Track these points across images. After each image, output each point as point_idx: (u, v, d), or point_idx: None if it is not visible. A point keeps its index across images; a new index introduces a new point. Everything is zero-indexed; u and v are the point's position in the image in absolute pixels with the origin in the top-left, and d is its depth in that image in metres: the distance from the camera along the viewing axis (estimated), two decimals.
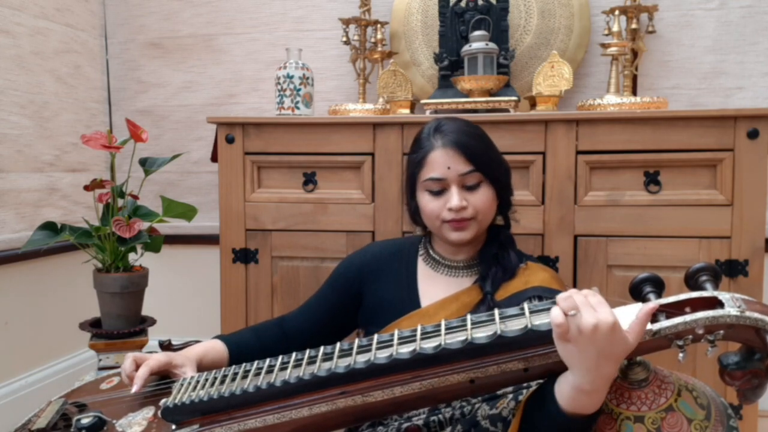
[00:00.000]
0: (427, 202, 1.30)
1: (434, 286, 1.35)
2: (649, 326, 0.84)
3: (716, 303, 0.84)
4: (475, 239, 1.33)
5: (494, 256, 1.33)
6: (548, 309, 0.92)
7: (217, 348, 1.37)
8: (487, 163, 1.29)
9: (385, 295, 1.38)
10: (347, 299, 1.44)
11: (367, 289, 1.42)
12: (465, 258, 1.35)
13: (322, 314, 1.45)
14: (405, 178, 1.39)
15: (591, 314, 0.86)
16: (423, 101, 2.11)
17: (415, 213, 1.37)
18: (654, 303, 0.87)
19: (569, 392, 0.90)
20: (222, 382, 1.10)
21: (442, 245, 1.38)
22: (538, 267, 1.34)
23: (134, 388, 1.19)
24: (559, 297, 0.90)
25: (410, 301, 1.34)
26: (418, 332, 0.98)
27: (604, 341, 0.85)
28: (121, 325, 2.06)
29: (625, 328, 0.86)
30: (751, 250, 1.77)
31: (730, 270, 1.77)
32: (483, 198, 1.28)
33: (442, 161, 1.27)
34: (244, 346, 1.38)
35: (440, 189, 1.28)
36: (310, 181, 2.00)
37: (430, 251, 1.40)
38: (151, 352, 1.28)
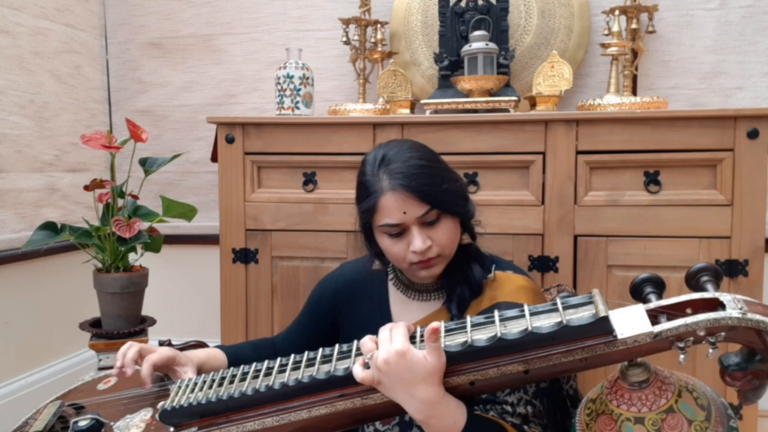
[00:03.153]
0: (389, 246, 1.23)
1: (406, 310, 1.33)
2: (650, 328, 0.84)
3: (717, 304, 0.84)
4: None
5: (459, 274, 1.27)
6: (549, 311, 0.92)
7: (218, 357, 1.37)
8: (444, 199, 1.20)
9: (361, 322, 1.36)
10: (325, 327, 1.43)
11: (343, 316, 1.41)
12: (433, 280, 1.30)
13: (303, 341, 1.43)
14: (358, 223, 1.29)
15: (384, 349, 0.93)
16: (423, 101, 2.11)
17: (378, 253, 1.31)
18: (437, 324, 0.92)
19: (422, 426, 0.97)
20: (220, 384, 1.10)
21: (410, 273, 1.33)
22: (506, 277, 1.28)
23: (145, 388, 1.20)
24: (361, 342, 0.98)
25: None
26: (417, 335, 0.98)
27: (399, 369, 0.91)
28: (121, 325, 2.07)
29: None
30: (751, 250, 1.76)
31: (730, 270, 1.77)
32: (446, 232, 1.21)
33: (395, 206, 1.18)
34: (243, 359, 1.37)
35: (399, 232, 1.21)
36: (310, 181, 2.00)
37: (399, 275, 1.35)
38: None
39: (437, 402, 0.93)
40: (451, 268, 1.28)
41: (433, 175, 1.21)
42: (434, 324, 0.91)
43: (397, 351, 0.91)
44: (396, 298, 1.36)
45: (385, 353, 0.92)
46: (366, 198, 1.22)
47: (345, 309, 1.41)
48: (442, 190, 1.20)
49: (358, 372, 0.95)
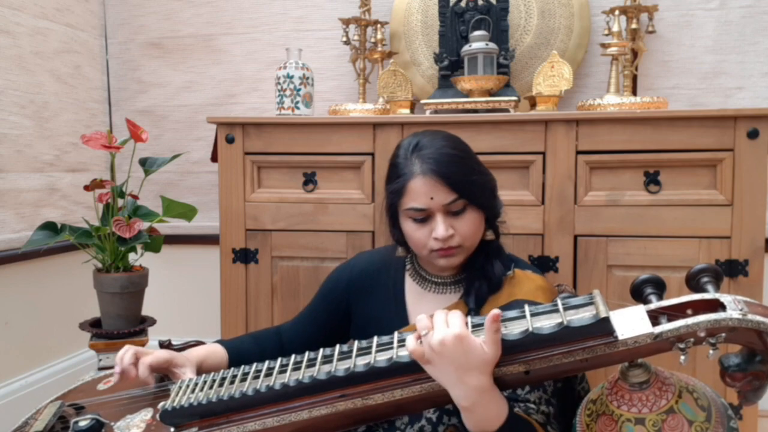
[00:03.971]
0: (412, 231, 1.24)
1: (422, 302, 1.33)
2: (651, 329, 0.84)
3: (718, 305, 0.84)
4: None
5: (479, 269, 1.28)
6: (550, 312, 0.92)
7: (217, 353, 1.36)
8: (472, 190, 1.22)
9: (374, 313, 1.36)
10: (337, 316, 1.43)
11: (356, 307, 1.40)
12: (451, 273, 1.32)
13: (314, 329, 1.44)
14: (385, 204, 1.31)
15: (440, 330, 0.91)
16: (423, 101, 2.11)
17: (399, 239, 1.32)
18: (497, 311, 0.91)
19: (462, 413, 0.95)
20: (221, 384, 1.09)
21: (428, 263, 1.33)
22: (525, 276, 1.29)
23: (136, 391, 1.20)
24: (418, 318, 0.95)
25: (399, 318, 1.32)
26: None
27: (455, 353, 0.90)
28: (121, 325, 2.07)
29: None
30: (751, 250, 1.76)
31: (730, 270, 1.77)
32: (469, 223, 1.22)
33: (423, 191, 1.20)
34: (244, 353, 1.38)
35: (424, 217, 1.22)
36: (310, 181, 2.00)
37: (417, 267, 1.36)
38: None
39: (487, 391, 0.92)
40: (471, 262, 1.29)
41: (464, 165, 1.23)
42: (495, 311, 0.90)
43: (455, 334, 0.90)
44: (412, 290, 1.36)
45: (442, 334, 0.91)
46: (396, 179, 1.24)
47: (359, 299, 1.40)
48: (471, 180, 1.22)
49: (411, 344, 0.93)
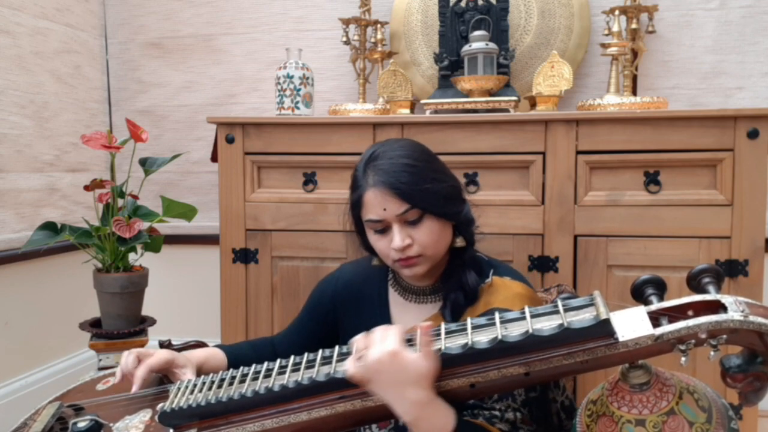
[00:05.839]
0: (375, 241, 1.26)
1: (405, 313, 1.33)
2: (652, 331, 0.83)
3: (719, 306, 0.84)
4: (434, 267, 1.28)
5: (456, 280, 1.27)
6: (550, 313, 0.91)
7: (218, 356, 1.37)
8: (425, 198, 1.20)
9: (361, 324, 1.34)
10: (325, 328, 1.44)
11: (343, 318, 1.41)
12: (430, 283, 1.32)
13: (304, 340, 1.45)
14: (350, 216, 1.31)
15: (375, 349, 0.92)
16: (423, 101, 2.11)
17: (369, 248, 1.32)
18: (427, 323, 0.94)
19: (409, 428, 0.96)
20: (219, 386, 1.09)
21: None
22: (502, 284, 1.27)
23: (134, 388, 1.19)
24: (353, 340, 0.98)
25: None
26: (417, 337, 0.98)
27: (390, 370, 0.91)
28: (121, 325, 2.07)
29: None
30: (751, 250, 1.76)
31: (730, 270, 1.77)
32: (428, 232, 1.21)
33: (376, 202, 1.20)
34: (242, 359, 1.38)
35: (383, 228, 1.23)
36: (310, 181, 2.00)
37: (397, 278, 1.36)
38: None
39: (427, 404, 0.93)
40: (447, 272, 1.29)
41: (415, 174, 1.21)
42: (425, 323, 0.92)
43: (389, 351, 0.91)
44: (395, 301, 1.36)
45: (377, 352, 0.92)
46: (353, 192, 1.26)
47: (344, 310, 1.41)
48: (422, 189, 1.20)
49: (350, 368, 0.95)
